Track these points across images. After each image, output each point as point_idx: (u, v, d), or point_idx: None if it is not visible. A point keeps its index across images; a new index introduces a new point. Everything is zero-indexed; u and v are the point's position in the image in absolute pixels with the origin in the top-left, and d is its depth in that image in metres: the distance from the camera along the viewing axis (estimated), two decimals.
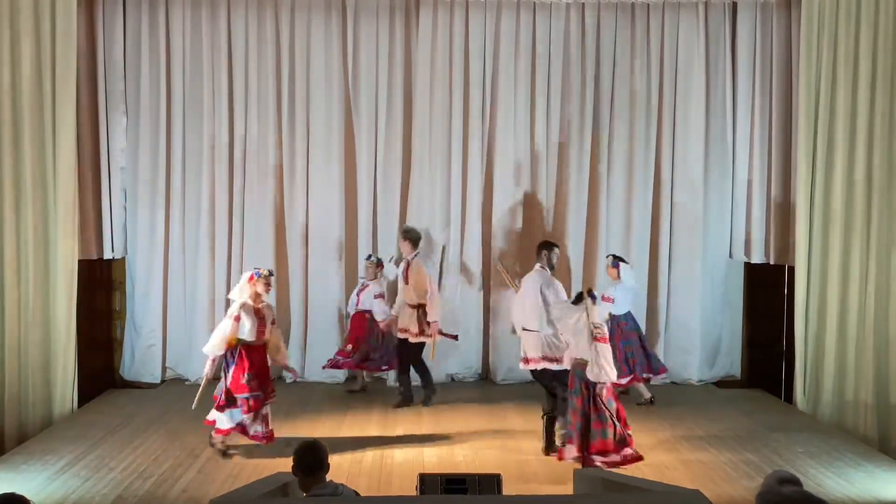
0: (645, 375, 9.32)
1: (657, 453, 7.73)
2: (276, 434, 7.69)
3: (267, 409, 7.56)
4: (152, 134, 10.21)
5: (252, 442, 7.52)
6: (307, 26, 10.31)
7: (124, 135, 10.12)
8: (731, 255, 10.56)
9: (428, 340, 9.21)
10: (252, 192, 10.38)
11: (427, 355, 9.34)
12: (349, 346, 9.79)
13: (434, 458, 7.62)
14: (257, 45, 10.28)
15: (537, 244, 8.33)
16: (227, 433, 7.48)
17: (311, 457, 4.33)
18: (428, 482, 5.42)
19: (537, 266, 7.98)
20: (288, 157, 10.38)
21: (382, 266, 9.95)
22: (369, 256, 10.00)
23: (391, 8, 10.31)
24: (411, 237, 9.35)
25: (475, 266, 10.53)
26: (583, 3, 10.31)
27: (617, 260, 9.33)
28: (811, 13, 9.19)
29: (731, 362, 10.70)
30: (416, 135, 10.39)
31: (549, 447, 7.62)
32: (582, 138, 10.51)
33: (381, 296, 9.79)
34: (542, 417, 7.78)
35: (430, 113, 10.39)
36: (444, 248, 10.20)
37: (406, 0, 10.26)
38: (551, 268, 7.98)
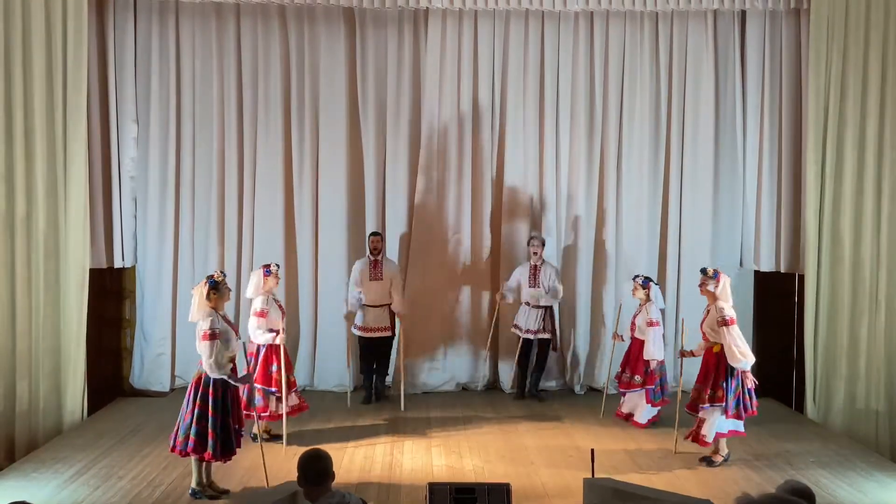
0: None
1: (668, 462, 7.72)
2: (286, 444, 7.82)
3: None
4: (162, 143, 10.24)
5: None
6: (316, 36, 10.32)
7: (135, 144, 10.16)
8: (740, 264, 10.53)
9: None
10: (261, 199, 10.38)
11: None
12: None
13: (443, 468, 7.61)
14: (266, 54, 10.30)
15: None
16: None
17: (315, 467, 4.30)
18: (437, 491, 5.43)
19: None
20: (297, 166, 10.39)
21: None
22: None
23: (400, 17, 10.34)
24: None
25: (483, 276, 10.53)
26: (591, 13, 10.30)
27: (647, 280, 9.05)
28: (820, 21, 9.19)
29: None
30: (424, 144, 10.40)
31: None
32: (591, 147, 10.50)
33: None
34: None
35: (438, 121, 10.41)
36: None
37: (415, 9, 10.28)
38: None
